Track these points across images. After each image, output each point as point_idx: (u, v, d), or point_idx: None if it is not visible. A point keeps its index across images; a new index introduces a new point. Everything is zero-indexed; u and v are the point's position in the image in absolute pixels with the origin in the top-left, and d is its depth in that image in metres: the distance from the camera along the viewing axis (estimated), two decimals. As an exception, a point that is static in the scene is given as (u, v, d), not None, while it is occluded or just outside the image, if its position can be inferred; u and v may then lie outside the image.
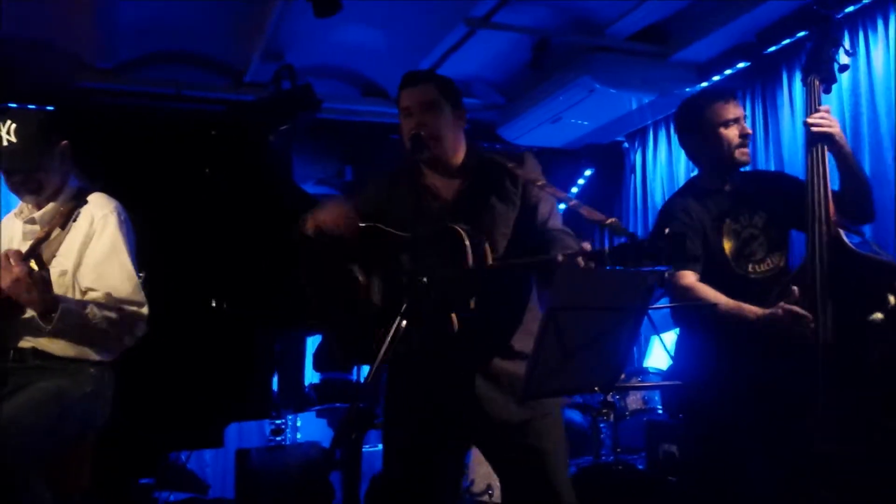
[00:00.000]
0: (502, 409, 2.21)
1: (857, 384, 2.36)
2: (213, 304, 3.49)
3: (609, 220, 1.94)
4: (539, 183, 2.26)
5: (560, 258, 1.99)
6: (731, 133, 2.68)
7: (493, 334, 2.24)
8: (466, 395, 2.23)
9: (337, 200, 2.35)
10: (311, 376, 4.18)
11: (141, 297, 2.56)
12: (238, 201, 3.81)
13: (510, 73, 5.12)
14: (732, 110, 2.69)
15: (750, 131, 2.73)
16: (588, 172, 6.14)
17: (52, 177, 2.61)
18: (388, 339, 1.94)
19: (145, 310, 2.56)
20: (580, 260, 1.95)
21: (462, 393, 2.23)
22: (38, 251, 2.34)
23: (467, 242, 2.11)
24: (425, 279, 2.11)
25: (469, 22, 4.31)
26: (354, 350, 2.41)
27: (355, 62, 5.09)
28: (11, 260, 2.29)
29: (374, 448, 4.56)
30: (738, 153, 2.68)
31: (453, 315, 2.08)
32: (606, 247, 1.95)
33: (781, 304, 2.41)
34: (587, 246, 1.98)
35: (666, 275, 2.62)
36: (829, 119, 2.52)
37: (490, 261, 2.15)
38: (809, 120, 2.53)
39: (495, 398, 2.22)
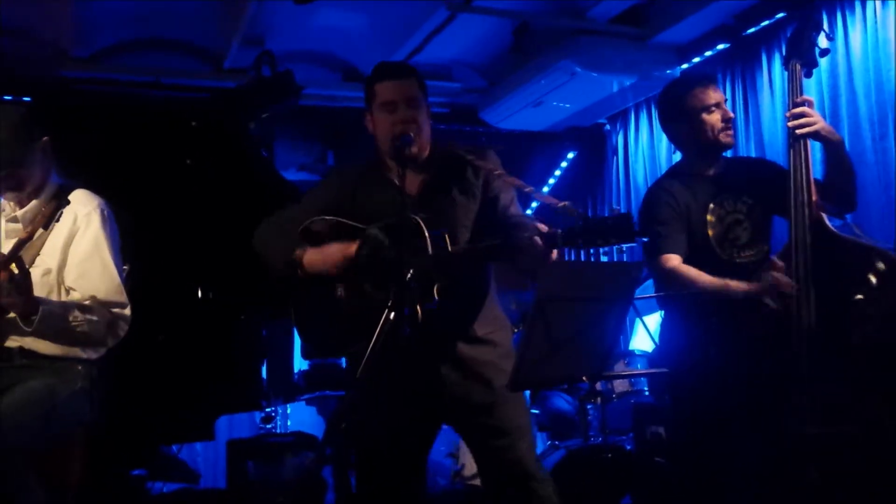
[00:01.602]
0: (468, 393, 2.28)
1: (840, 365, 2.40)
2: (200, 294, 3.48)
3: (560, 204, 2.00)
4: (498, 172, 2.31)
5: (521, 242, 2.03)
6: (714, 118, 2.70)
7: (457, 322, 2.30)
8: (432, 382, 2.29)
9: None
10: (299, 364, 4.19)
11: (123, 297, 2.55)
12: (220, 190, 3.79)
13: (492, 56, 5.11)
14: (713, 95, 2.71)
15: (732, 115, 2.76)
16: (570, 155, 6.16)
17: (34, 173, 2.57)
18: (379, 329, 1.96)
19: (127, 311, 2.55)
20: (536, 240, 2.00)
21: (428, 379, 2.29)
22: (19, 254, 2.32)
23: (426, 232, 2.15)
24: (412, 272, 2.13)
25: (450, 6, 4.29)
26: (319, 343, 2.45)
27: (336, 47, 5.06)
28: None
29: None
30: (722, 136, 2.71)
31: (418, 307, 2.09)
32: (559, 229, 2.01)
33: (769, 273, 2.46)
34: (543, 227, 2.04)
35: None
36: (811, 116, 2.53)
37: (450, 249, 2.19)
38: (791, 124, 2.55)
39: (460, 383, 2.29)
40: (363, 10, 4.53)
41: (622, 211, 1.94)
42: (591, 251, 5.51)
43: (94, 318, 2.47)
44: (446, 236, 2.19)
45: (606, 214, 1.97)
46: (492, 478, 2.37)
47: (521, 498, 2.24)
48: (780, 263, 2.49)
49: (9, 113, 2.54)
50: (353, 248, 2.26)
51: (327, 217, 2.38)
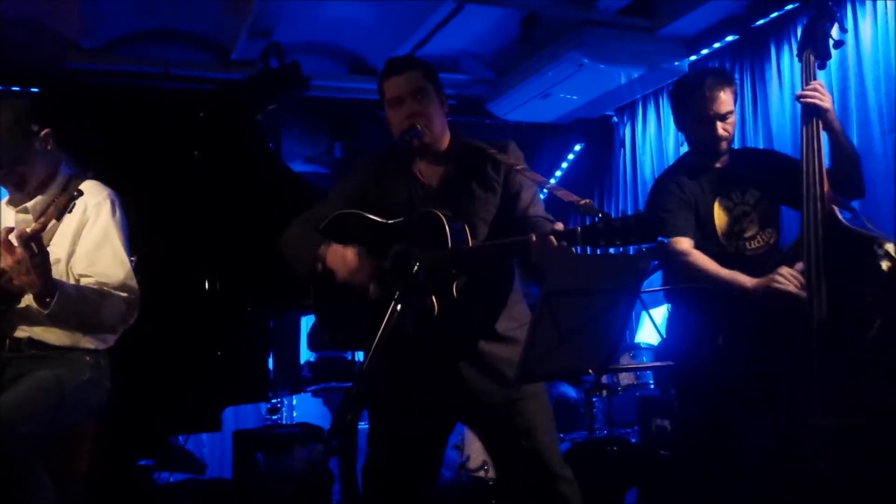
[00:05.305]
0: (487, 390, 2.25)
1: (850, 357, 2.39)
2: (207, 286, 3.49)
3: (583, 202, 1.95)
4: (520, 167, 2.27)
5: (533, 239, 2.00)
6: (719, 126, 2.68)
7: (477, 318, 2.27)
8: (451, 378, 2.26)
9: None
10: (305, 355, 4.21)
11: (133, 284, 2.56)
12: (227, 182, 3.80)
13: (499, 48, 5.11)
14: (726, 102, 2.67)
15: (731, 130, 2.73)
16: (578, 147, 6.15)
17: (36, 168, 2.56)
18: (385, 321, 1.95)
19: (137, 297, 2.56)
20: (552, 240, 1.97)
21: (447, 376, 2.26)
22: (40, 235, 2.32)
23: (447, 227, 2.14)
24: (418, 264, 2.13)
25: (457, -3, 4.28)
26: (340, 333, 2.43)
27: (343, 39, 5.06)
28: (14, 241, 2.28)
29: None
30: (723, 144, 2.71)
31: (434, 298, 2.09)
32: (579, 227, 1.97)
33: (779, 270, 2.44)
34: (559, 226, 2.01)
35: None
36: (821, 92, 2.53)
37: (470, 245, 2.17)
38: (801, 96, 2.54)
39: (479, 380, 2.25)
40: (370, 2, 4.53)
41: (640, 209, 1.89)
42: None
43: (108, 303, 2.48)
44: (467, 231, 2.17)
45: (629, 214, 1.92)
46: (514, 477, 2.32)
47: (547, 499, 2.21)
48: (800, 267, 2.47)
49: (4, 109, 2.51)
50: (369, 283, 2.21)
51: (352, 211, 2.36)
